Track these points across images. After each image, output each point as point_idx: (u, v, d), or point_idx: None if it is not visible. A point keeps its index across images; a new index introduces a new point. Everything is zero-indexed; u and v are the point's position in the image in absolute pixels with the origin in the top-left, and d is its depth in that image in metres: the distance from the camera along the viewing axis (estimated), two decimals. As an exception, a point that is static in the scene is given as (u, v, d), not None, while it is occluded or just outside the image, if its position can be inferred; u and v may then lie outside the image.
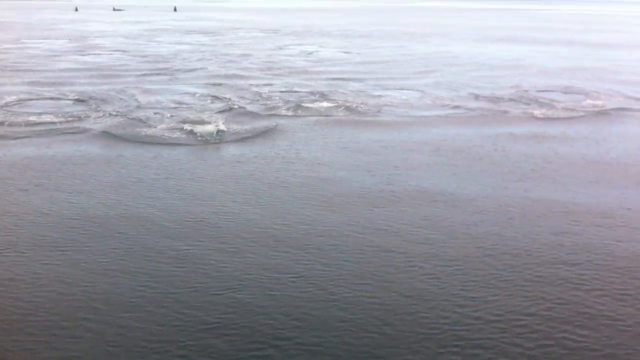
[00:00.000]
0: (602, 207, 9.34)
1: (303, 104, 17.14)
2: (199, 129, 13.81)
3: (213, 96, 18.40)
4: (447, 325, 5.99)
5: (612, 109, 17.36)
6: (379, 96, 18.88)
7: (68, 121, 14.78)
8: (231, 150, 12.53)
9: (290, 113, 16.16)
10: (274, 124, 14.80)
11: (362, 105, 17.18)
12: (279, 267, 7.15)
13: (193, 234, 8.07)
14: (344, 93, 19.34)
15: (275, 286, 6.71)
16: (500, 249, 7.78)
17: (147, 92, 19.06)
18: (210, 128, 13.87)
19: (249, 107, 16.66)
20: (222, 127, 14.01)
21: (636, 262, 7.45)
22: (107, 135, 13.39)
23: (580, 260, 7.44)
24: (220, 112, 15.96)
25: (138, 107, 16.56)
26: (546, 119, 15.96)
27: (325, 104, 17.28)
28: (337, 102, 17.52)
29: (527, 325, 6.03)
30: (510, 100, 18.62)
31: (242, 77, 22.78)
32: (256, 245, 7.78)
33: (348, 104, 17.24)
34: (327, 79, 22.54)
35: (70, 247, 7.64)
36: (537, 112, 16.76)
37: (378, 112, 16.54)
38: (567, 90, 20.58)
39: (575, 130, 14.68)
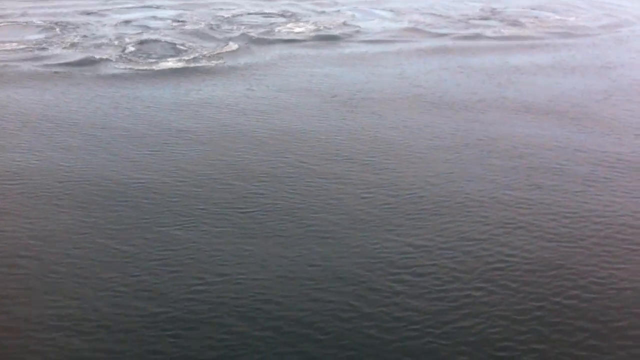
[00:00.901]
0: (553, 142, 9.38)
1: (271, 29, 16.86)
2: (159, 61, 13.61)
3: (179, 21, 17.91)
4: (397, 255, 6.24)
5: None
6: (351, 18, 18.60)
7: (30, 49, 14.56)
8: (193, 79, 12.40)
9: (258, 37, 15.89)
10: (242, 50, 14.65)
11: (331, 29, 16.95)
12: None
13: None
14: (317, 13, 19.11)
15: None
16: (449, 176, 8.03)
17: (110, 17, 18.55)
18: (170, 60, 13.70)
19: (216, 34, 16.27)
20: (184, 58, 13.84)
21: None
22: (67, 66, 13.23)
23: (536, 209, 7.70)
24: (185, 35, 15.73)
25: (101, 35, 16.15)
26: (515, 40, 16.03)
27: (296, 29, 16.98)
28: (308, 26, 17.29)
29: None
30: (481, 19, 18.63)
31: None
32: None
33: (319, 29, 17.00)
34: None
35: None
36: (506, 31, 16.89)
37: (349, 37, 16.27)
38: (540, 8, 20.50)
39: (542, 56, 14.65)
